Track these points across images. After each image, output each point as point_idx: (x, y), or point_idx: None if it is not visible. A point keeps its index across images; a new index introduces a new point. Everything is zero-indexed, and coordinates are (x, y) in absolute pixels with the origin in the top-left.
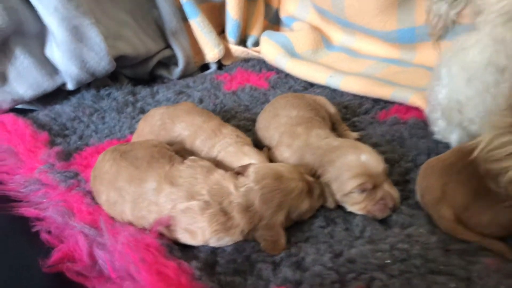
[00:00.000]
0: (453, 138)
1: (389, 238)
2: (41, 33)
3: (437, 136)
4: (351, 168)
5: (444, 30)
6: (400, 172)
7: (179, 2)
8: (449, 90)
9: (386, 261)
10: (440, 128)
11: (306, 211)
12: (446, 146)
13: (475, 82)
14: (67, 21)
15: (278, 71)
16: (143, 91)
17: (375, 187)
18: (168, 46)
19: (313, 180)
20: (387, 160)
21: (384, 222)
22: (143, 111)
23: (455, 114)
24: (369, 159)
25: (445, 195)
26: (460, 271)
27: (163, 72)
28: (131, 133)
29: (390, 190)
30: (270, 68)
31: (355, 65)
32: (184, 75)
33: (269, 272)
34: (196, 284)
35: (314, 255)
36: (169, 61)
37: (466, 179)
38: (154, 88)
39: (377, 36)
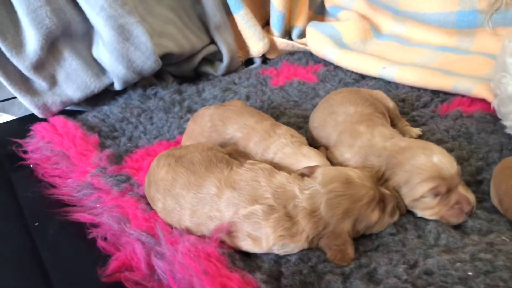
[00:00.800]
0: None
1: (468, 246)
2: (87, 34)
3: (510, 131)
4: (422, 171)
5: (498, 13)
6: (470, 171)
7: None
8: None
9: (469, 273)
10: None
11: (375, 224)
12: None
13: None
14: (113, 20)
15: (326, 63)
16: (189, 89)
17: (449, 190)
18: (212, 41)
19: (388, 193)
20: (455, 159)
21: (458, 228)
22: (190, 110)
23: None
24: (441, 160)
25: None
26: None
27: (208, 69)
28: (180, 133)
29: (465, 194)
30: (317, 60)
31: (408, 54)
32: (229, 71)
33: (339, 285)
34: None
35: (386, 266)
36: (214, 57)
37: None
38: (200, 85)
39: (432, 21)
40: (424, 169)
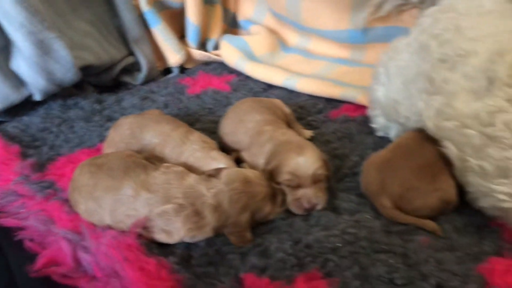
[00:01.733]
0: (392, 133)
1: (340, 224)
2: (5, 47)
3: (379, 133)
4: (287, 165)
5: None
6: (349, 165)
7: (141, 10)
8: (387, 90)
9: (338, 244)
10: (380, 125)
11: (269, 214)
12: (389, 140)
13: (409, 87)
14: (33, 36)
15: (238, 73)
16: (109, 99)
17: (299, 186)
18: (131, 53)
19: (278, 188)
20: (338, 155)
21: (336, 210)
22: (110, 119)
23: (392, 111)
24: (304, 162)
25: (384, 187)
26: (399, 249)
27: (127, 78)
28: (101, 141)
29: (310, 194)
30: (231, 71)
31: (309, 66)
32: (147, 80)
33: (237, 261)
34: (175, 276)
35: (276, 244)
36: (133, 68)
37: (401, 173)
38: (119, 95)
39: (330, 37)
40: (287, 163)
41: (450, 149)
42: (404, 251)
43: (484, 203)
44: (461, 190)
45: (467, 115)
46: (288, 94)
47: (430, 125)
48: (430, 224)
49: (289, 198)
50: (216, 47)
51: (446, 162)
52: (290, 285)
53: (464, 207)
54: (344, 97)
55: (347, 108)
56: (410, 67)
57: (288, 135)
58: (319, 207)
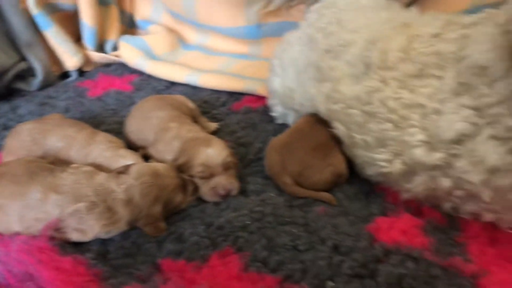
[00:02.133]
0: (290, 120)
1: (248, 204)
2: None
3: (278, 120)
4: (198, 158)
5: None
6: (254, 152)
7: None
8: (282, 80)
9: (246, 222)
10: (279, 113)
11: (180, 203)
12: (288, 126)
13: (301, 76)
14: None
15: (140, 73)
16: (2, 107)
17: (212, 175)
18: (23, 58)
19: (188, 178)
20: (243, 144)
21: (244, 193)
22: (6, 127)
23: (288, 100)
24: (212, 152)
25: (284, 167)
26: (300, 219)
27: (21, 85)
28: None
29: (224, 181)
30: (132, 71)
31: (210, 62)
32: (44, 86)
33: (154, 249)
34: (93, 271)
35: (190, 229)
36: (27, 73)
37: (298, 154)
38: (14, 102)
39: (228, 34)
40: (198, 156)
41: (339, 129)
42: (305, 221)
43: (369, 171)
44: (351, 163)
45: (350, 97)
46: (191, 90)
47: (322, 109)
48: (326, 195)
49: (204, 188)
50: (115, 48)
51: (336, 140)
52: (205, 263)
53: (354, 177)
54: (245, 89)
55: (249, 100)
56: (301, 58)
57: (194, 131)
58: (234, 192)
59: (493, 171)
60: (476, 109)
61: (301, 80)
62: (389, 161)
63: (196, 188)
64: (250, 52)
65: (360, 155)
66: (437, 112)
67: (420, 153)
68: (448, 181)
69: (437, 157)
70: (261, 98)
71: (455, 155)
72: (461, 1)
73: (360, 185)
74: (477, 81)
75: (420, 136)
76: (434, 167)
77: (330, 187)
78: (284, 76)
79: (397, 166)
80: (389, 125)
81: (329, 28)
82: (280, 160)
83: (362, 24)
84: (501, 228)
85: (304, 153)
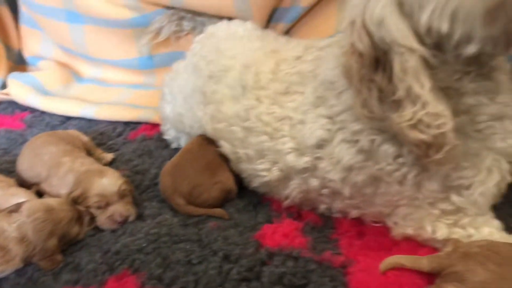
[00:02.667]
0: (182, 143)
1: (144, 228)
2: None
3: (173, 145)
4: (92, 189)
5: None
6: (150, 177)
7: None
8: (173, 106)
9: (143, 245)
10: (172, 137)
11: (77, 235)
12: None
13: (189, 101)
14: None
15: (33, 110)
16: None
17: (107, 205)
18: None
19: (83, 209)
20: (139, 171)
21: (141, 217)
22: None
23: (179, 124)
24: (108, 181)
25: (176, 188)
26: (194, 236)
27: None
28: None
29: (120, 208)
30: (23, 108)
31: (106, 94)
32: None
33: (50, 281)
34: None
35: (87, 258)
36: None
37: (188, 174)
38: None
39: (121, 66)
40: (93, 187)
41: (225, 146)
42: (199, 237)
43: (254, 183)
44: (239, 177)
45: (231, 116)
46: (87, 123)
47: (208, 129)
48: (218, 211)
49: (101, 217)
50: (4, 86)
51: (223, 158)
52: (102, 287)
53: (244, 191)
54: (140, 118)
55: (145, 128)
56: (188, 84)
57: (87, 164)
58: (131, 218)
59: (349, 169)
60: (329, 117)
61: (189, 104)
62: (268, 170)
63: (93, 218)
64: (145, 82)
65: (245, 168)
66: (302, 122)
67: (291, 159)
68: (316, 181)
69: (304, 160)
70: (156, 125)
71: (318, 158)
72: (328, 29)
73: (249, 198)
74: (329, 94)
75: (290, 144)
76: (304, 170)
77: (221, 203)
78: (174, 102)
79: (275, 174)
80: (265, 137)
81: (210, 56)
82: (172, 182)
83: (238, 52)
84: (366, 222)
85: (194, 173)
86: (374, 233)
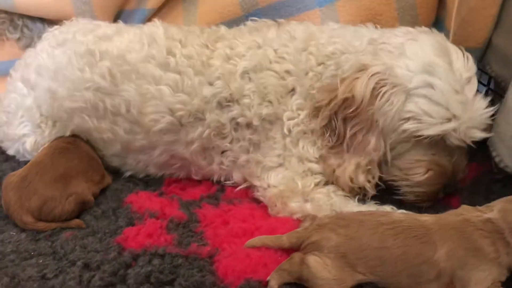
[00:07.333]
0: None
1: None
2: None
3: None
4: None
5: None
6: None
7: None
8: None
9: None
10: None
11: None
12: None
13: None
14: None
15: None
16: None
17: None
18: None
19: None
20: None
21: None
22: None
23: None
24: None
25: (22, 205)
26: (47, 249)
27: None
28: None
29: None
30: None
31: None
32: None
33: None
34: None
35: None
36: None
37: (36, 188)
38: None
39: None
40: None
41: None
42: (53, 250)
43: None
44: None
45: None
46: None
47: None
48: (73, 222)
49: None
50: None
51: (79, 168)
52: None
53: (102, 197)
54: None
55: None
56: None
57: None
58: None
59: None
60: None
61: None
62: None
63: None
64: None
65: None
66: None
67: None
68: None
69: None
70: None
71: None
72: None
73: (107, 204)
74: None
75: None
76: None
77: (77, 215)
78: None
79: None
80: None
81: None
82: (16, 197)
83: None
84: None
85: (42, 186)
86: (237, 220)
